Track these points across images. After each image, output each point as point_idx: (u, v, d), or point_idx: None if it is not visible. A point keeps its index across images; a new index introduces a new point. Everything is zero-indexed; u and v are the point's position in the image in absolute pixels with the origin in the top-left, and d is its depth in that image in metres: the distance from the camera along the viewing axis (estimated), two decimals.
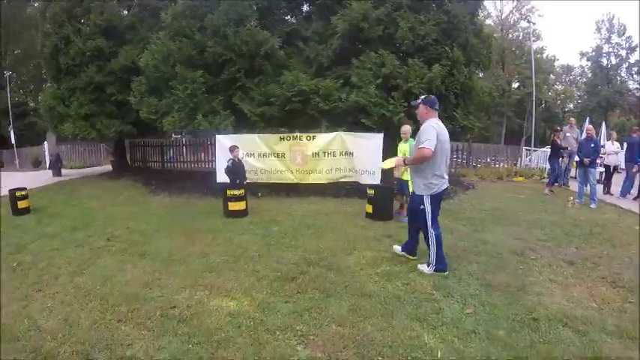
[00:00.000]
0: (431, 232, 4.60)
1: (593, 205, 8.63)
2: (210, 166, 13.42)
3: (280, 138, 8.89)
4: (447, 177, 4.64)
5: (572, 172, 13.45)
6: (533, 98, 20.43)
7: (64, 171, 15.90)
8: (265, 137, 9.01)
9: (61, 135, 15.64)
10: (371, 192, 7.01)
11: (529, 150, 17.19)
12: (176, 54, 9.47)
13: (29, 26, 25.29)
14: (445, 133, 4.50)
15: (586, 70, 50.72)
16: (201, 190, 9.88)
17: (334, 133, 8.81)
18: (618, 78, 46.47)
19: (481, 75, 13.15)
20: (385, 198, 7.02)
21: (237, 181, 7.72)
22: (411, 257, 5.00)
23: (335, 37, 9.26)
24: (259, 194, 8.96)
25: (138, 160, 17.55)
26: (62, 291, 4.32)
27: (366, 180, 8.55)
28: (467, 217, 7.51)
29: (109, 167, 16.55)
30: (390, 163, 5.11)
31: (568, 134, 11.90)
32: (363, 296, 3.95)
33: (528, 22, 20.12)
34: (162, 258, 5.16)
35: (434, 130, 4.27)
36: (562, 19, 70.89)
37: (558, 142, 10.97)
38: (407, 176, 6.88)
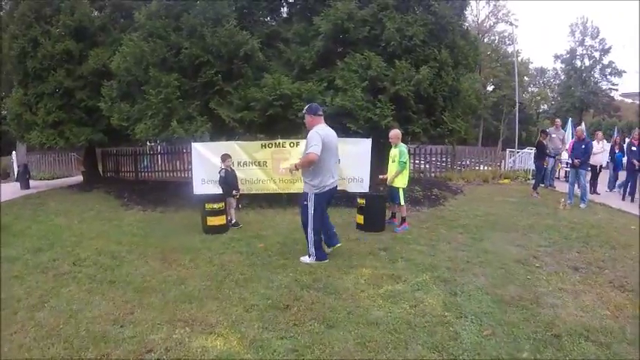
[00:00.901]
0: (310, 229, 5.01)
1: (582, 205, 8.74)
2: (187, 175, 12.77)
3: (262, 145, 8.30)
4: (336, 177, 5.24)
5: (558, 173, 13.44)
6: (517, 99, 20.43)
7: (32, 182, 14.85)
8: (245, 145, 8.41)
9: (29, 144, 14.81)
10: (361, 201, 6.56)
11: (512, 152, 17.10)
12: (149, 56, 8.82)
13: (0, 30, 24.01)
14: (331, 135, 5.06)
15: (559, 72, 52.12)
16: (177, 203, 9.25)
17: None
18: (592, 79, 47.77)
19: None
20: (377, 207, 6.59)
21: (234, 193, 7.23)
22: (336, 245, 5.33)
23: (318, 38, 8.82)
24: (239, 206, 8.39)
25: (110, 170, 16.72)
26: (21, 331, 3.67)
27: (353, 188, 8.07)
28: (462, 224, 7.22)
29: (80, 178, 15.64)
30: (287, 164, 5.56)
31: (554, 135, 11.88)
32: (369, 325, 3.49)
33: (511, 24, 20.14)
34: (134, 286, 4.55)
35: (319, 135, 4.75)
36: (535, 23, 72.63)
37: (545, 143, 10.84)
38: (398, 183, 6.49)
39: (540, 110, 54.70)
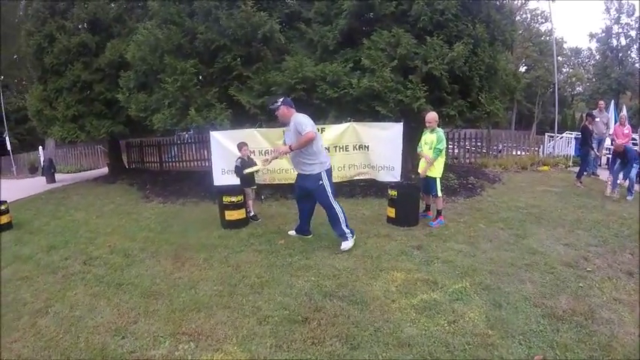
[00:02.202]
0: (336, 207, 5.00)
1: (629, 198, 7.88)
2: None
3: (284, 132, 7.71)
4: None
5: (601, 160, 12.43)
6: (555, 79, 19.08)
7: (59, 176, 15.06)
8: (266, 132, 7.86)
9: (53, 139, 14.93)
10: (393, 193, 5.92)
11: (551, 136, 16.00)
12: (164, 43, 8.40)
13: (21, 28, 24.32)
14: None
15: (594, 52, 49.45)
16: (198, 194, 8.87)
17: (346, 124, 7.63)
18: (629, 59, 45.07)
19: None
20: (410, 200, 5.95)
21: (253, 187, 6.83)
22: (307, 236, 5.50)
23: (341, 16, 8.16)
24: (262, 197, 7.91)
25: (135, 160, 16.66)
26: (21, 339, 3.38)
27: (384, 177, 7.47)
28: (502, 217, 6.52)
29: (105, 170, 15.67)
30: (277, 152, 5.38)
31: (597, 119, 10.82)
32: (400, 346, 2.95)
33: None
34: (142, 289, 4.14)
35: (306, 118, 4.98)
36: (568, 1, 68.89)
37: (590, 128, 9.89)
38: (434, 173, 5.84)
39: (575, 92, 52.20)
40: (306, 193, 5.19)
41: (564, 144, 14.71)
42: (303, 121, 4.89)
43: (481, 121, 9.08)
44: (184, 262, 4.87)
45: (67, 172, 17.30)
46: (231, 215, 5.99)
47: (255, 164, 6.77)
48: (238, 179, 6.74)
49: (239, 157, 6.74)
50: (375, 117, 7.87)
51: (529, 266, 4.48)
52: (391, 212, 5.95)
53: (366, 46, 7.90)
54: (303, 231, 5.54)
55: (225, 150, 7.67)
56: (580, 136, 10.12)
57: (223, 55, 8.09)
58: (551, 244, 5.18)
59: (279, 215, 6.89)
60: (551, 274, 4.27)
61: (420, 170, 6.17)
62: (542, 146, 14.95)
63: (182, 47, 8.39)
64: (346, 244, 4.95)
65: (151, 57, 8.64)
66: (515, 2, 41.25)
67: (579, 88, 52.54)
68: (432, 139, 5.87)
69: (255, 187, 6.84)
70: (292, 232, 5.65)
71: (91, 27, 11.41)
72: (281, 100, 5.10)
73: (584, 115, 10.94)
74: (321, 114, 8.60)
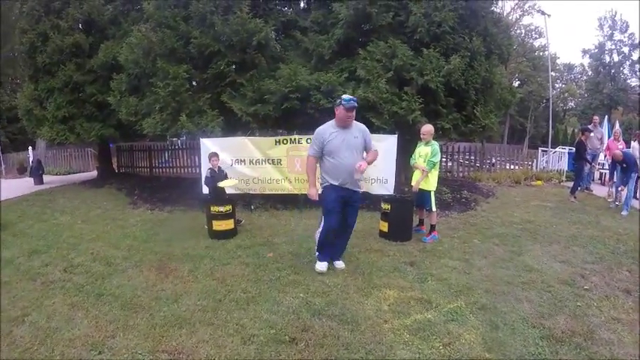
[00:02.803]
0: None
1: (624, 213, 7.89)
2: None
3: (276, 141, 7.62)
4: None
5: (594, 175, 12.45)
6: (550, 94, 19.19)
7: (47, 178, 14.74)
8: (258, 140, 7.76)
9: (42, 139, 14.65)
10: (386, 207, 5.79)
11: (545, 151, 16.03)
12: (157, 47, 8.26)
13: (16, 26, 24.03)
14: None
15: (587, 67, 50.09)
16: (187, 202, 8.67)
17: None
18: (621, 75, 45.75)
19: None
20: (403, 214, 5.82)
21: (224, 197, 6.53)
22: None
23: (338, 25, 8.08)
24: (252, 207, 7.74)
25: (125, 165, 16.39)
26: None
27: (377, 190, 7.34)
28: (497, 233, 6.43)
29: (95, 173, 15.38)
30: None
31: (592, 134, 10.81)
32: None
33: (543, 13, 18.83)
34: (123, 301, 3.95)
35: None
36: (561, 17, 70.05)
37: (586, 142, 9.89)
38: (428, 186, 5.72)
39: (567, 107, 52.71)
40: (345, 214, 4.65)
41: (557, 159, 14.72)
42: (368, 132, 4.77)
43: (476, 135, 9.00)
44: (168, 273, 4.68)
45: (56, 174, 16.95)
46: (219, 225, 5.81)
47: (226, 176, 6.61)
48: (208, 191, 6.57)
49: (209, 168, 6.59)
50: (369, 128, 7.72)
51: (526, 284, 4.37)
52: (384, 226, 5.81)
53: (362, 56, 7.81)
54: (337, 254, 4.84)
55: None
56: (574, 151, 10.07)
57: (217, 60, 7.96)
58: (548, 261, 5.09)
59: (269, 226, 6.72)
60: (548, 292, 4.17)
61: (413, 183, 6.05)
62: (535, 161, 14.94)
63: (175, 51, 8.24)
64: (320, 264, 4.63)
65: (144, 60, 8.48)
66: (510, 17, 41.85)
67: (571, 104, 53.12)
68: (426, 152, 5.76)
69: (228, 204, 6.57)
70: (323, 266, 4.61)
71: (86, 27, 11.23)
72: (350, 98, 4.49)
73: (576, 130, 10.94)
74: (315, 124, 8.44)
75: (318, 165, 4.69)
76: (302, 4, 9.92)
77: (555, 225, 7.00)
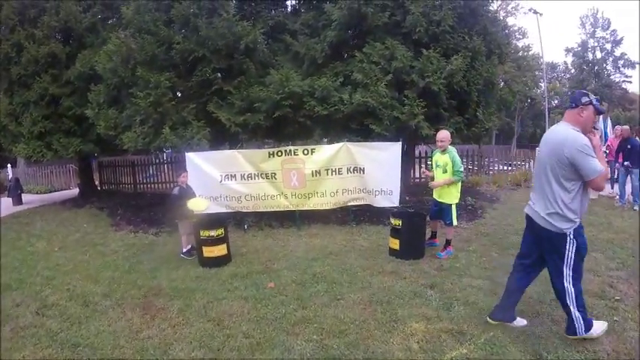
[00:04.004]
0: (572, 298, 3.21)
1: (637, 207, 8.08)
2: None
3: (269, 154, 6.98)
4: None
5: None
6: (545, 96, 18.87)
7: (27, 197, 14.03)
8: (249, 153, 7.12)
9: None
10: (397, 222, 5.22)
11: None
12: (137, 54, 7.64)
13: None
14: None
15: (570, 66, 50.65)
16: (173, 222, 7.90)
17: (339, 145, 6.88)
18: (605, 72, 46.38)
19: None
20: (416, 230, 5.27)
21: (191, 219, 5.85)
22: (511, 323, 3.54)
23: (330, 27, 7.57)
24: (245, 226, 7.10)
25: (108, 182, 15.56)
26: None
27: (381, 202, 6.79)
28: (513, 243, 5.94)
29: (77, 191, 14.56)
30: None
31: None
32: None
33: (535, 12, 18.58)
34: (102, 354, 3.32)
35: None
36: (544, 18, 70.91)
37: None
38: (450, 198, 5.19)
39: (551, 106, 53.19)
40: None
41: None
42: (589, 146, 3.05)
43: (478, 139, 8.56)
44: (155, 314, 4.05)
45: (37, 193, 16.17)
46: (211, 252, 5.18)
47: (194, 194, 6.00)
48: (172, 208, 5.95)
49: (177, 185, 6.00)
50: (367, 136, 7.25)
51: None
52: (394, 244, 5.25)
53: (358, 59, 7.31)
54: (508, 317, 3.51)
55: (202, 173, 6.90)
56: None
57: (202, 67, 7.38)
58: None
59: (265, 249, 6.07)
60: None
61: (434, 183, 5.40)
62: (532, 161, 14.58)
63: (156, 58, 7.63)
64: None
65: (123, 69, 7.84)
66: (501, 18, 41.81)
67: (555, 102, 53.58)
68: (444, 161, 5.21)
69: (194, 219, 5.84)
70: (521, 320, 3.55)
71: (63, 36, 10.58)
72: (594, 97, 3.03)
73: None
74: (309, 133, 7.95)
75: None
76: (290, 7, 9.41)
77: None
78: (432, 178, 5.48)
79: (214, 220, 5.58)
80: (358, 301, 4.00)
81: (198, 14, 7.40)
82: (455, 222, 5.34)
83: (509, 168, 14.02)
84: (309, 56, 7.73)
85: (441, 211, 5.35)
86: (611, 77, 46.62)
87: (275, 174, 6.89)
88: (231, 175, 6.89)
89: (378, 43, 7.27)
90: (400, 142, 6.67)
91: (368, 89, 6.95)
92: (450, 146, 5.27)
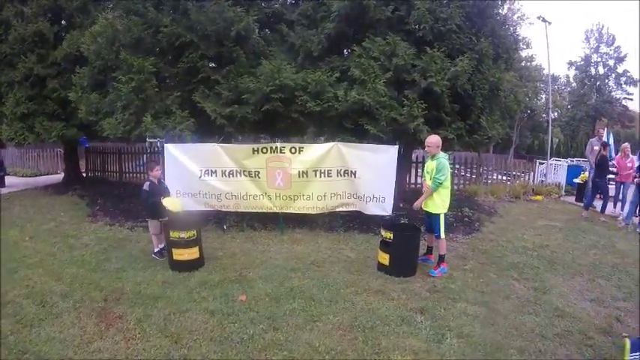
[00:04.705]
0: None
1: None
2: None
3: (253, 150, 6.42)
4: None
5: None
6: (549, 106, 18.41)
7: (12, 180, 13.64)
8: (232, 148, 6.56)
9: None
10: (387, 235, 4.75)
11: (542, 162, 15.31)
12: (122, 36, 7.14)
13: None
14: None
15: (571, 79, 50.38)
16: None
17: (329, 144, 6.37)
18: (607, 88, 46.24)
19: None
20: (409, 244, 4.81)
21: (161, 218, 5.34)
22: None
23: (329, 19, 7.09)
24: (225, 226, 6.62)
25: (94, 169, 15.00)
26: None
27: (372, 210, 6.30)
28: (512, 262, 5.58)
29: (62, 176, 14.06)
30: None
31: (596, 147, 10.10)
32: None
33: (543, 20, 17.99)
34: None
35: None
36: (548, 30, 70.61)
37: (607, 157, 9.27)
38: (436, 208, 4.76)
39: (552, 117, 52.91)
40: None
41: (554, 171, 14.00)
42: None
43: (480, 147, 8.11)
44: (111, 322, 3.60)
45: (22, 176, 15.69)
46: (181, 255, 4.70)
47: (167, 190, 5.52)
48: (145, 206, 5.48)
49: (148, 180, 5.46)
50: (362, 137, 6.77)
51: (562, 337, 3.62)
52: (384, 258, 4.78)
53: (356, 53, 6.82)
54: None
55: (181, 167, 6.39)
56: (596, 167, 9.32)
57: (189, 53, 6.89)
58: (577, 301, 4.41)
59: (243, 254, 5.57)
60: (589, 346, 3.49)
61: (415, 203, 5.06)
62: (532, 173, 14.21)
63: (142, 41, 7.13)
64: None
65: (107, 51, 7.36)
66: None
67: (555, 114, 53.35)
68: (432, 168, 4.81)
69: (165, 218, 5.35)
70: None
71: (53, 16, 10.11)
72: None
73: (593, 144, 10.26)
74: (298, 130, 7.49)
75: None
76: None
77: (572, 251, 6.30)
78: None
79: (186, 221, 5.07)
80: (337, 324, 3.54)
81: None
82: (442, 234, 4.90)
83: (506, 178, 13.57)
84: (305, 48, 7.25)
85: (430, 221, 4.91)
86: (612, 94, 46.42)
87: (259, 172, 6.35)
88: (211, 171, 6.36)
89: (379, 38, 6.80)
90: (397, 146, 6.18)
91: (365, 86, 6.47)
92: (441, 152, 4.83)
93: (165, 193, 5.37)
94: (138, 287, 4.37)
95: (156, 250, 5.37)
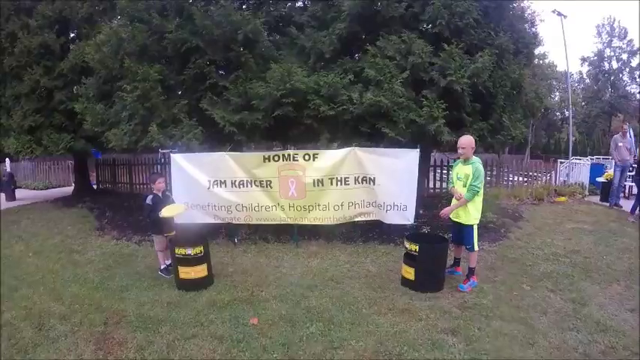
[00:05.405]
0: None
1: None
2: None
3: (264, 158, 6.08)
4: None
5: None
6: (569, 102, 17.76)
7: (23, 193, 13.69)
8: (241, 157, 6.22)
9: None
10: (413, 247, 4.34)
11: (562, 162, 14.76)
12: (127, 44, 6.92)
13: None
14: None
15: (584, 75, 49.48)
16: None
17: (346, 150, 5.98)
18: (622, 82, 45.37)
19: None
20: (437, 257, 4.41)
21: (166, 233, 5.04)
22: None
23: (340, 19, 6.76)
24: (235, 239, 6.27)
25: (105, 181, 14.85)
26: None
27: (393, 218, 5.88)
28: (545, 272, 5.18)
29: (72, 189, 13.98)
30: None
31: (620, 144, 9.69)
32: None
33: (559, 14, 17.39)
34: None
35: None
36: (558, 27, 69.53)
37: None
38: (469, 219, 4.36)
39: (565, 116, 52.01)
40: None
41: (578, 171, 13.47)
42: None
43: (503, 147, 7.69)
44: (110, 349, 3.30)
45: (34, 189, 15.74)
46: (187, 273, 4.36)
47: (172, 201, 5.18)
48: (149, 221, 5.15)
49: (151, 193, 5.13)
50: (379, 141, 6.40)
51: (606, 354, 3.33)
52: (409, 273, 4.38)
53: (370, 53, 6.46)
54: None
55: (188, 178, 6.10)
56: (637, 166, 8.90)
57: (196, 59, 6.62)
58: (616, 312, 4.07)
59: (255, 269, 5.20)
60: None
61: (443, 211, 4.65)
62: (554, 173, 13.66)
63: (147, 49, 6.89)
64: None
65: (112, 60, 7.15)
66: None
67: (567, 112, 52.42)
68: (466, 173, 4.38)
69: (172, 233, 5.11)
70: None
71: (60, 27, 10.02)
72: None
73: (617, 140, 9.81)
74: (312, 136, 7.14)
75: None
76: (300, 2, 8.59)
77: (604, 255, 5.88)
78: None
79: (193, 236, 4.74)
80: (361, 351, 3.15)
81: (194, 1, 6.65)
82: (476, 246, 4.50)
83: (524, 179, 13.08)
84: (316, 50, 6.92)
85: (460, 233, 4.51)
86: (627, 88, 45.48)
87: (270, 182, 5.99)
88: (220, 182, 6.03)
89: (394, 36, 6.44)
90: (418, 149, 5.78)
91: (381, 87, 6.10)
92: (474, 156, 4.43)
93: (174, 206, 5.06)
94: (141, 309, 4.05)
95: (162, 267, 5.06)
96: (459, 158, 4.63)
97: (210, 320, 3.73)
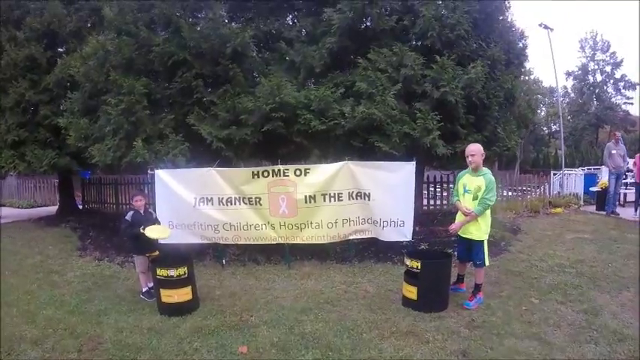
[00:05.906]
0: None
1: None
2: None
3: (253, 174, 5.82)
4: None
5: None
6: (559, 114, 17.80)
7: (7, 211, 13.60)
8: (229, 172, 5.94)
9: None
10: (414, 264, 4.10)
11: (556, 174, 14.84)
12: (113, 57, 6.73)
13: None
14: None
15: (569, 90, 50.60)
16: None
17: (339, 164, 5.75)
18: (606, 94, 46.51)
19: None
20: (440, 274, 4.18)
21: (147, 253, 4.76)
22: None
23: (330, 33, 6.63)
24: (224, 260, 5.95)
25: (92, 200, 14.42)
26: None
27: (390, 235, 5.65)
28: (552, 284, 5.11)
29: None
30: None
31: (614, 151, 9.93)
32: None
33: (545, 27, 17.50)
34: None
35: None
36: (542, 42, 71.23)
37: None
38: (479, 234, 4.15)
39: (552, 130, 52.79)
40: None
41: (572, 181, 13.55)
42: None
43: (499, 159, 7.58)
44: None
45: (18, 207, 15.53)
46: (170, 296, 4.07)
47: (156, 221, 4.90)
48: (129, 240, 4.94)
49: (131, 210, 4.90)
50: (372, 155, 6.20)
51: None
52: (411, 292, 4.13)
53: (362, 66, 6.34)
54: None
55: (174, 196, 5.83)
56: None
57: (183, 72, 6.44)
58: (631, 319, 4.01)
59: (244, 293, 4.88)
60: None
61: (453, 226, 4.44)
62: (547, 185, 13.71)
63: (133, 62, 6.72)
64: None
65: (97, 73, 6.96)
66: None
67: (555, 127, 53.24)
68: (477, 185, 4.16)
69: (155, 253, 4.83)
70: None
71: (47, 40, 9.88)
72: None
73: (610, 148, 9.98)
74: (302, 153, 6.97)
75: None
76: (289, 19, 8.48)
77: (609, 263, 5.86)
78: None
79: (176, 256, 4.45)
80: None
81: (182, 14, 6.50)
82: (487, 261, 4.31)
83: (515, 193, 13.07)
84: (306, 65, 6.78)
85: (469, 249, 4.29)
86: (612, 99, 46.65)
87: (260, 199, 5.72)
88: (206, 199, 5.75)
89: (385, 49, 6.34)
90: (414, 162, 5.58)
91: (373, 100, 5.94)
92: (484, 167, 4.24)
93: (152, 224, 4.77)
94: (119, 335, 3.76)
95: (144, 289, 4.76)
96: (456, 172, 4.45)
97: (195, 348, 3.43)
